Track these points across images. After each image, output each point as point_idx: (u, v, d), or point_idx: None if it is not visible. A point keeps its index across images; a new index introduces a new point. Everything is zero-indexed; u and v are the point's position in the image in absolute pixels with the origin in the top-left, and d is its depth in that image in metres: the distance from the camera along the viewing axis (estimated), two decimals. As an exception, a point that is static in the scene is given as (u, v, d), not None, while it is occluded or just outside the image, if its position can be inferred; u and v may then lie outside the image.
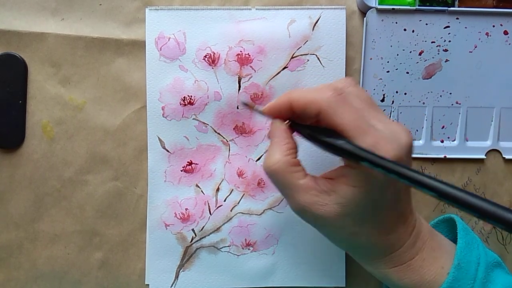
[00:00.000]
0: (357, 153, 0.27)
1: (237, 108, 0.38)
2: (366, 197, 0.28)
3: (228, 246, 0.39)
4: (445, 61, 0.39)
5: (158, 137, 0.38)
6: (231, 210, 0.39)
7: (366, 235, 0.29)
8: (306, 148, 0.38)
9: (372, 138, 0.27)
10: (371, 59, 0.39)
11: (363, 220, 0.29)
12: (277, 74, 0.38)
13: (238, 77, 0.38)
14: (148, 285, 0.39)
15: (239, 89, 0.38)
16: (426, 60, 0.39)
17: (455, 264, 0.30)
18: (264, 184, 0.39)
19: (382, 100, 0.39)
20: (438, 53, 0.39)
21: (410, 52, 0.39)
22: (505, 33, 0.39)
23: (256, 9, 0.38)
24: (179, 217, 0.39)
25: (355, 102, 0.29)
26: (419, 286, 0.30)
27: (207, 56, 0.38)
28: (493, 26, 0.39)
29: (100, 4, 0.38)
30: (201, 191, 0.39)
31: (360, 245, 0.30)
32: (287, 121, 0.31)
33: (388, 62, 0.39)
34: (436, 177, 0.40)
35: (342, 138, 0.28)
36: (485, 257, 0.32)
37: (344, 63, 0.38)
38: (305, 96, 0.29)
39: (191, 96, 0.38)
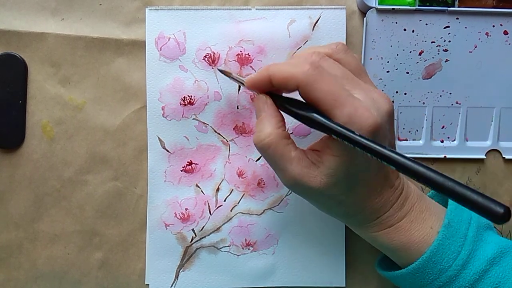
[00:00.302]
0: (325, 125, 0.28)
1: (237, 108, 0.38)
2: (351, 165, 0.29)
3: (228, 246, 0.39)
4: (445, 61, 0.39)
5: (158, 137, 0.38)
6: (231, 210, 0.39)
7: (354, 201, 0.31)
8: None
9: (350, 108, 0.27)
10: (371, 59, 0.39)
11: (350, 188, 0.30)
12: (277, 74, 0.38)
13: (238, 77, 0.38)
14: (148, 285, 0.39)
15: (239, 89, 0.38)
16: (426, 60, 0.39)
17: (445, 223, 0.31)
18: (264, 184, 0.39)
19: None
20: (438, 53, 0.39)
21: (410, 52, 0.39)
22: (505, 33, 0.39)
23: (256, 9, 0.38)
24: (179, 217, 0.39)
25: (338, 71, 0.29)
26: (408, 247, 0.31)
27: (207, 56, 0.38)
28: (493, 26, 0.39)
29: (100, 4, 0.38)
30: (201, 191, 0.39)
31: (349, 211, 0.32)
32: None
33: (388, 62, 0.39)
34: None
35: (318, 111, 0.28)
36: (477, 219, 0.33)
37: (344, 63, 0.38)
38: (283, 71, 0.29)
39: (191, 96, 0.38)
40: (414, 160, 0.24)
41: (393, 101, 0.39)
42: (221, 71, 0.36)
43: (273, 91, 0.32)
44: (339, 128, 0.27)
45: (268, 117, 0.31)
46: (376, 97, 0.29)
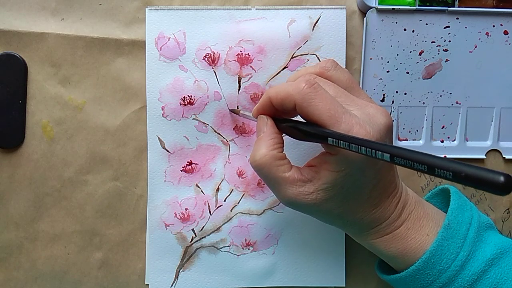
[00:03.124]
0: (319, 133, 0.28)
1: (237, 108, 0.38)
2: (348, 179, 0.29)
3: (228, 246, 0.39)
4: (445, 61, 0.39)
5: (158, 137, 0.38)
6: (231, 210, 0.39)
7: (352, 213, 0.31)
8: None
9: (346, 125, 0.28)
10: (371, 59, 0.39)
11: (347, 201, 0.30)
12: (277, 74, 0.38)
13: (238, 77, 0.38)
14: (148, 285, 0.39)
15: (239, 89, 0.38)
16: (426, 60, 0.39)
17: (445, 224, 0.31)
18: (264, 184, 0.39)
19: (382, 100, 0.39)
20: (438, 53, 0.39)
21: (410, 52, 0.39)
22: (505, 33, 0.39)
23: (256, 9, 0.38)
24: (179, 217, 0.39)
25: (330, 90, 0.30)
26: (405, 253, 0.32)
27: (207, 56, 0.38)
28: (493, 26, 0.39)
29: (100, 4, 0.38)
30: (201, 191, 0.39)
31: (347, 222, 0.32)
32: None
33: (388, 62, 0.39)
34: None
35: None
36: (477, 219, 0.33)
37: (344, 63, 0.38)
38: (281, 91, 0.30)
39: (191, 96, 0.38)
40: (404, 148, 0.24)
41: (392, 101, 0.39)
42: (231, 111, 0.38)
43: (278, 115, 0.32)
44: (332, 132, 0.28)
45: (266, 138, 0.31)
46: (372, 112, 0.30)
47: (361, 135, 0.28)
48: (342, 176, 0.29)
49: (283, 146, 0.32)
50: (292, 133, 0.31)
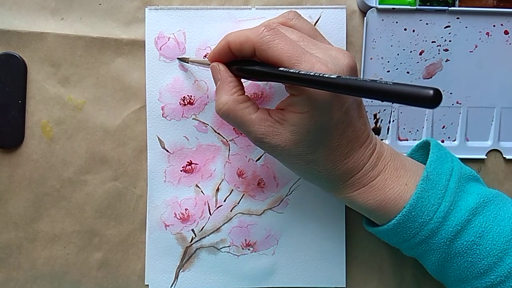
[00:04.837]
0: (266, 71, 0.29)
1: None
2: (314, 121, 0.29)
3: (228, 247, 0.39)
4: (446, 61, 0.39)
5: (158, 137, 0.38)
6: (231, 210, 0.39)
7: (323, 161, 0.31)
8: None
9: (307, 64, 0.28)
10: (371, 59, 0.39)
11: (317, 146, 0.30)
12: (277, 74, 0.38)
13: (238, 77, 0.38)
14: (148, 285, 0.39)
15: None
16: (426, 60, 0.39)
17: (424, 175, 0.31)
18: (264, 184, 0.39)
19: (382, 100, 0.39)
20: (439, 53, 0.39)
21: (411, 52, 0.39)
22: (506, 33, 0.39)
23: (256, 8, 0.38)
24: (179, 217, 0.39)
25: (291, 35, 0.30)
26: (384, 205, 0.31)
27: (207, 56, 0.38)
28: (494, 26, 0.39)
29: (100, 4, 0.38)
30: (201, 191, 0.39)
31: (320, 172, 0.31)
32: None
33: (388, 62, 0.39)
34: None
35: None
36: (459, 170, 0.32)
37: (344, 63, 0.38)
38: (240, 36, 0.30)
39: (191, 96, 0.38)
40: (339, 76, 0.25)
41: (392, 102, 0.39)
42: (180, 59, 0.37)
43: (234, 59, 0.32)
44: (274, 69, 0.28)
45: (223, 85, 0.31)
46: (335, 54, 0.30)
47: (322, 72, 0.27)
48: (307, 117, 0.29)
49: (243, 88, 0.32)
50: (254, 75, 0.31)
